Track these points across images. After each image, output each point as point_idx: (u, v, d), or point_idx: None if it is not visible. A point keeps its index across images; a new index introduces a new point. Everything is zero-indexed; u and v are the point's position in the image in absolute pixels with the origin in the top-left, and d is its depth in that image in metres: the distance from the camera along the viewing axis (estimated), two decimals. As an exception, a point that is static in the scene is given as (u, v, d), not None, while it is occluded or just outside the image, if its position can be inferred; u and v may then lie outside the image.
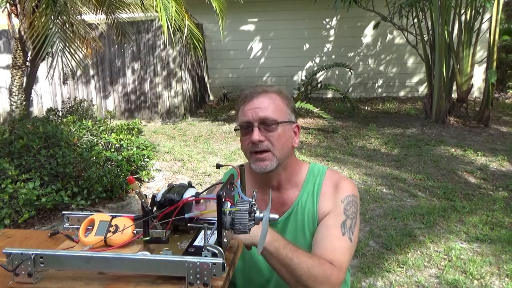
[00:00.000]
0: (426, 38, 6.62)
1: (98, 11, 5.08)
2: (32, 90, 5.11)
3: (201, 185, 4.06)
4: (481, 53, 7.59)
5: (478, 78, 8.06)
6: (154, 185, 4.14)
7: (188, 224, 0.83)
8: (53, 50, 4.06)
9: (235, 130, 1.20)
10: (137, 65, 7.32)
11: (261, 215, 0.81)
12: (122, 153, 3.85)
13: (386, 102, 8.27)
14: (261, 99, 1.17)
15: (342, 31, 8.64)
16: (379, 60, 8.71)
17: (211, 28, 8.45)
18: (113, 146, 4.07)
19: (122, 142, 4.04)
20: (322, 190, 1.21)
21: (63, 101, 6.77)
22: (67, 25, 4.39)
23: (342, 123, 6.69)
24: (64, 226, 0.95)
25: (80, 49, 4.94)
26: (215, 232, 0.77)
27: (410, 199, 3.68)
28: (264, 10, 8.53)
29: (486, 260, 2.62)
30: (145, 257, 0.71)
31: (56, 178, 3.43)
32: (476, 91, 8.04)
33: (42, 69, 6.50)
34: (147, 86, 7.37)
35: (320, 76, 8.42)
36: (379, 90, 8.83)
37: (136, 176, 3.99)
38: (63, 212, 0.97)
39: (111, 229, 0.79)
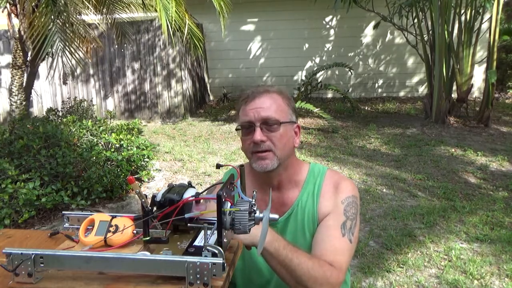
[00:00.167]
0: (426, 38, 6.62)
1: (98, 11, 5.08)
2: (32, 90, 5.10)
3: (201, 185, 4.06)
4: (481, 53, 7.59)
5: (478, 78, 8.06)
6: (154, 185, 4.13)
7: (188, 224, 0.83)
8: (53, 50, 4.06)
9: (236, 129, 1.20)
10: (137, 65, 7.32)
11: (261, 215, 0.81)
12: (122, 153, 3.85)
13: (386, 102, 8.27)
14: (263, 99, 1.16)
15: (342, 31, 8.64)
16: (379, 60, 8.71)
17: (211, 28, 8.45)
18: (113, 146, 4.06)
19: (122, 142, 4.04)
20: (322, 190, 1.21)
21: (63, 101, 6.76)
22: (67, 25, 4.38)
23: (342, 123, 6.69)
24: (64, 226, 0.95)
25: (80, 49, 4.94)
26: (215, 232, 0.77)
27: (410, 199, 3.68)
28: (264, 10, 8.53)
29: (486, 260, 2.62)
30: (145, 257, 0.71)
31: (56, 178, 3.43)
32: (476, 91, 8.04)
33: (42, 69, 6.51)
34: (147, 86, 7.37)
35: (320, 76, 8.42)
36: (379, 90, 8.83)
37: (136, 176, 3.99)
38: (63, 212, 0.96)
39: (111, 229, 0.79)
